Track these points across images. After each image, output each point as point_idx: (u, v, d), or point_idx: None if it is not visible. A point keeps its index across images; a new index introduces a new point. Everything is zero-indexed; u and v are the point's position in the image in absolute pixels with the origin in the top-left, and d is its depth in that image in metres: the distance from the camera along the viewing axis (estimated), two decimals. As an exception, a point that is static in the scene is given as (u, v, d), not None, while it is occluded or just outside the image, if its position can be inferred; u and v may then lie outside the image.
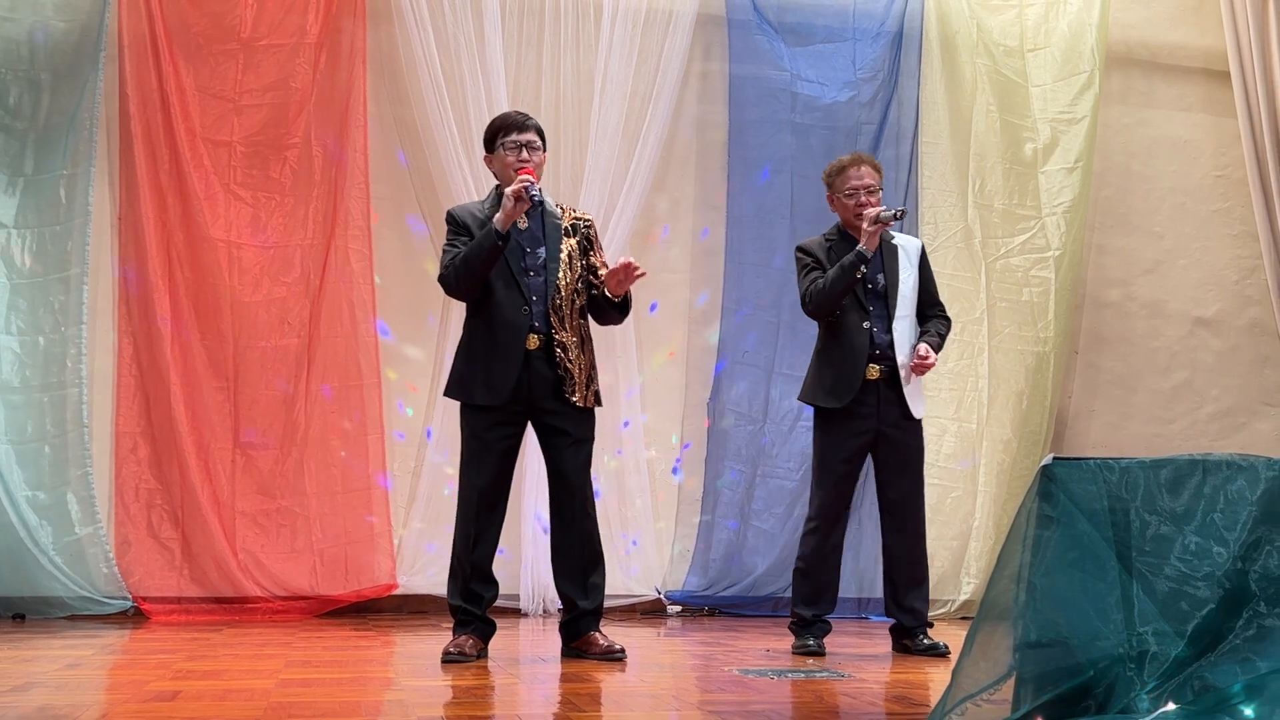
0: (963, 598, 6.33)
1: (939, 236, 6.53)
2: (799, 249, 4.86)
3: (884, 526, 4.79)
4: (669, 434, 6.36)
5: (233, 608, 5.61)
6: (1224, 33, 6.89)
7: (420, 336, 6.09)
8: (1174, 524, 2.86)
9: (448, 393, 4.43)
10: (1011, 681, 2.77)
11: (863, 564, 6.23)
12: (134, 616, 5.57)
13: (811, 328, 6.27)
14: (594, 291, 4.42)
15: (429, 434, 6.01)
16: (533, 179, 4.20)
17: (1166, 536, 2.85)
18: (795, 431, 6.31)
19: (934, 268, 6.41)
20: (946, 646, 4.61)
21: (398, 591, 5.87)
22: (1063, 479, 2.92)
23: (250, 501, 5.74)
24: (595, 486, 4.49)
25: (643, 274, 4.31)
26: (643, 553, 6.16)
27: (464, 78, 5.96)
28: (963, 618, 6.19)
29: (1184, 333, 7.00)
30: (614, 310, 4.43)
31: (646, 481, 6.19)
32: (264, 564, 5.71)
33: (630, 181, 6.15)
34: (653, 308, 6.36)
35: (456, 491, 4.40)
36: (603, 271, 4.40)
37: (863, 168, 4.77)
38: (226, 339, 5.77)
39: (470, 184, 5.89)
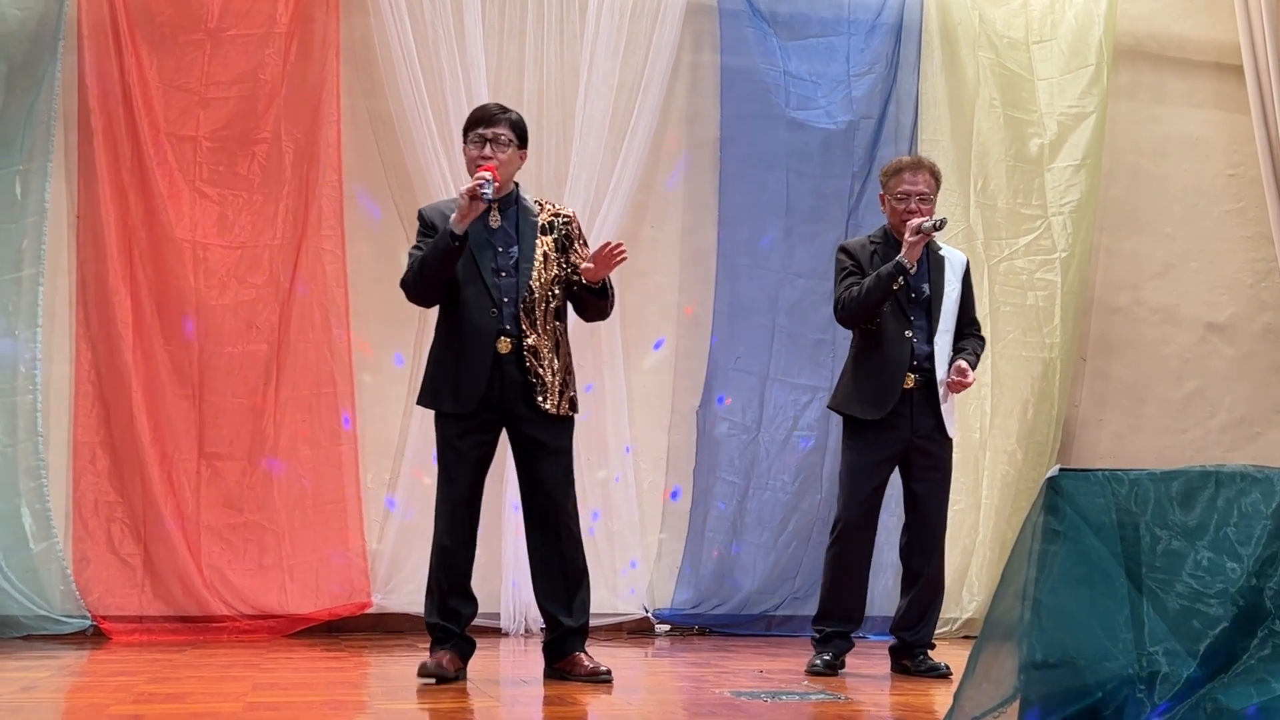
0: (965, 616, 6.34)
1: (940, 237, 6.51)
2: (841, 249, 4.92)
3: (908, 537, 4.84)
4: (657, 444, 6.36)
5: (197, 627, 5.58)
6: (1237, 25, 6.91)
7: (396, 341, 6.09)
8: (1186, 539, 2.87)
9: (420, 400, 4.45)
10: (1016, 704, 2.78)
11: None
12: (93, 636, 5.54)
13: (810, 332, 6.36)
14: (574, 285, 4.39)
15: (405, 444, 6.00)
16: (490, 176, 4.18)
17: (1178, 552, 2.86)
18: (791, 442, 6.33)
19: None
20: (948, 667, 4.64)
21: (371, 610, 5.86)
22: (1069, 492, 2.93)
23: (216, 515, 5.72)
24: (578, 499, 4.49)
25: (624, 257, 4.26)
26: (629, 569, 6.17)
27: (442, 70, 5.96)
28: (965, 637, 6.19)
29: (1196, 339, 7.03)
30: (594, 299, 4.38)
31: (633, 493, 6.20)
32: (230, 581, 5.69)
33: (617, 178, 6.15)
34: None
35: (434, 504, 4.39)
36: (585, 266, 4.36)
37: (920, 173, 4.82)
38: (191, 344, 5.76)
39: (449, 181, 5.88)
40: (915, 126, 6.54)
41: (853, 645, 4.81)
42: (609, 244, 4.26)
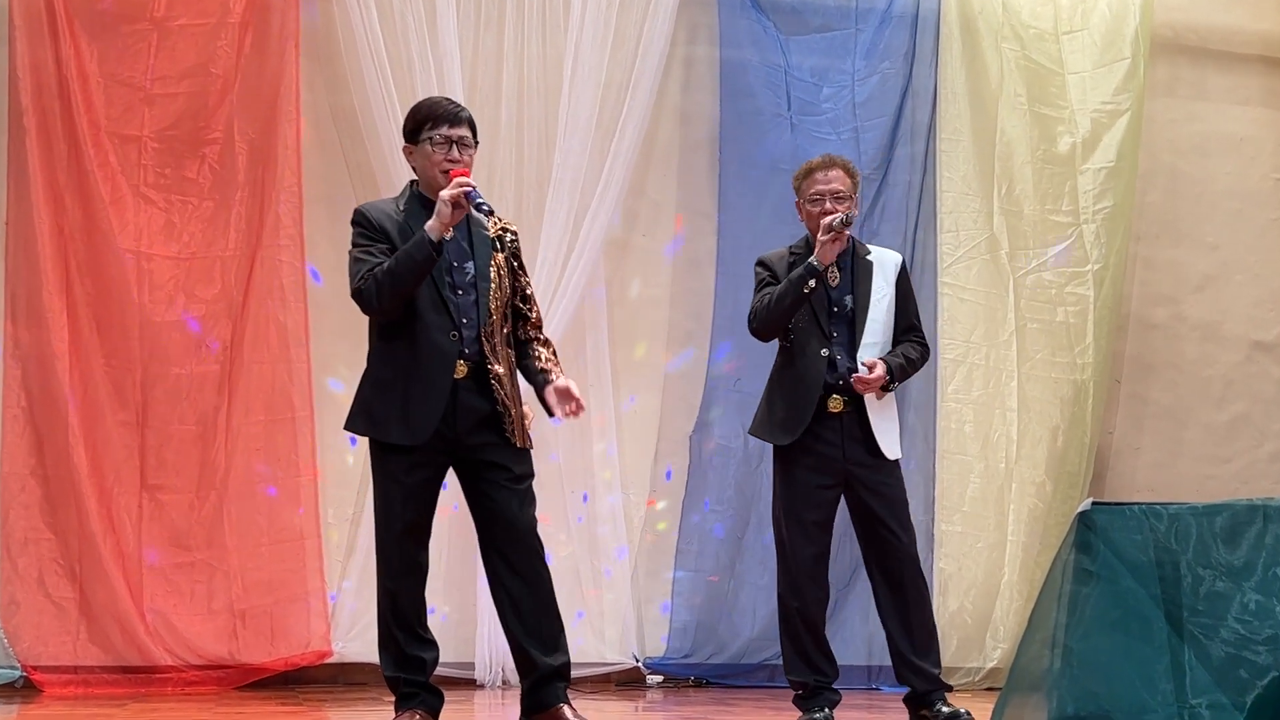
0: (989, 665, 6.34)
1: (960, 247, 6.57)
2: (758, 262, 4.90)
3: (874, 584, 4.79)
4: (647, 474, 6.35)
5: (139, 678, 5.55)
6: (1285, 15, 6.98)
7: (360, 362, 6.01)
8: (1231, 579, 2.88)
9: (350, 426, 4.36)
10: (1045, 762, 2.78)
11: (872, 627, 6.15)
12: (23, 689, 5.51)
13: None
14: (534, 364, 4.37)
15: (370, 476, 5.96)
16: (473, 183, 4.16)
17: (1222, 594, 2.87)
18: (795, 473, 6.32)
19: (955, 282, 6.52)
20: (969, 715, 4.62)
21: (332, 659, 5.84)
22: (1103, 527, 2.94)
23: (160, 554, 5.70)
24: (559, 535, 4.48)
25: (577, 411, 4.29)
26: (617, 612, 6.14)
27: (413, 63, 5.95)
28: (989, 688, 6.17)
29: (1241, 358, 7.04)
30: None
31: (621, 529, 6.19)
32: (176, 627, 5.66)
33: (605, 183, 6.15)
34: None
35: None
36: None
37: (833, 171, 4.79)
38: (134, 364, 5.73)
39: (420, 185, 5.89)
40: (933, 125, 6.55)
41: (839, 698, 4.77)
42: (575, 402, 4.25)
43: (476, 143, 4.41)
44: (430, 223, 4.16)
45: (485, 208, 4.16)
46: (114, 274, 5.75)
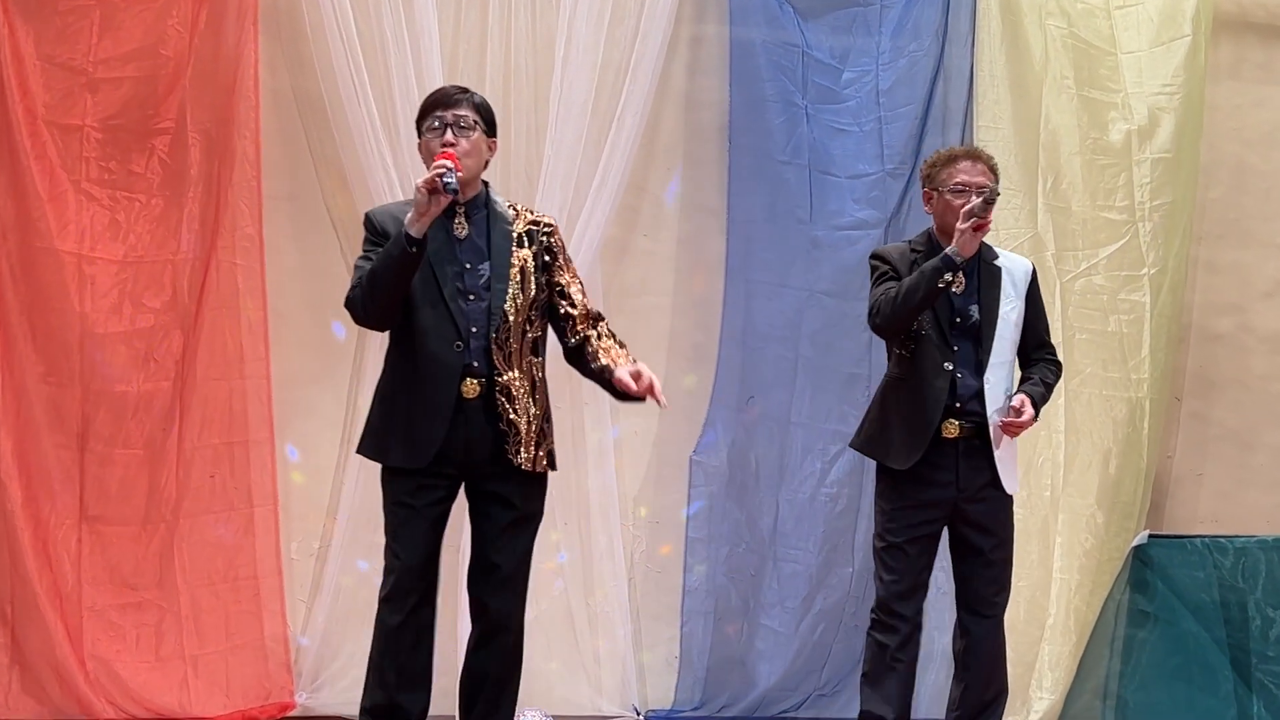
0: (1034, 717, 6.22)
1: (1000, 247, 6.46)
2: (874, 255, 4.96)
3: (960, 625, 4.85)
4: (649, 503, 6.34)
5: (78, 733, 5.54)
6: (1364, -12, 6.91)
7: (327, 377, 6.08)
8: (1308, 622, 2.78)
9: (361, 449, 4.45)
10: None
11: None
12: (-52, 745, 5.48)
13: (841, 365, 6.32)
14: (593, 363, 4.38)
15: (338, 505, 5.97)
16: (451, 164, 4.16)
17: (1298, 639, 2.78)
18: (817, 501, 6.27)
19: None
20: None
21: (295, 713, 5.83)
22: (1161, 563, 2.85)
23: (102, 594, 5.68)
24: (547, 572, 4.51)
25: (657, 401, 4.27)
26: (615, 659, 6.11)
27: (386, 42, 5.93)
28: (1034, 744, 6.15)
29: (1316, 373, 6.96)
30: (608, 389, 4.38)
31: (621, 566, 6.15)
32: (120, 676, 5.64)
33: (601, 177, 6.11)
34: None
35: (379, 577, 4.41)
36: (620, 378, 4.28)
37: (979, 164, 4.88)
38: (73, 382, 5.71)
39: (394, 178, 5.87)
40: (969, 111, 6.48)
41: None
42: (650, 384, 4.21)
43: (490, 128, 4.43)
44: (409, 216, 4.18)
45: (451, 186, 4.14)
46: (51, 279, 5.71)
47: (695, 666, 6.18)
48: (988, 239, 4.89)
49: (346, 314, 4.45)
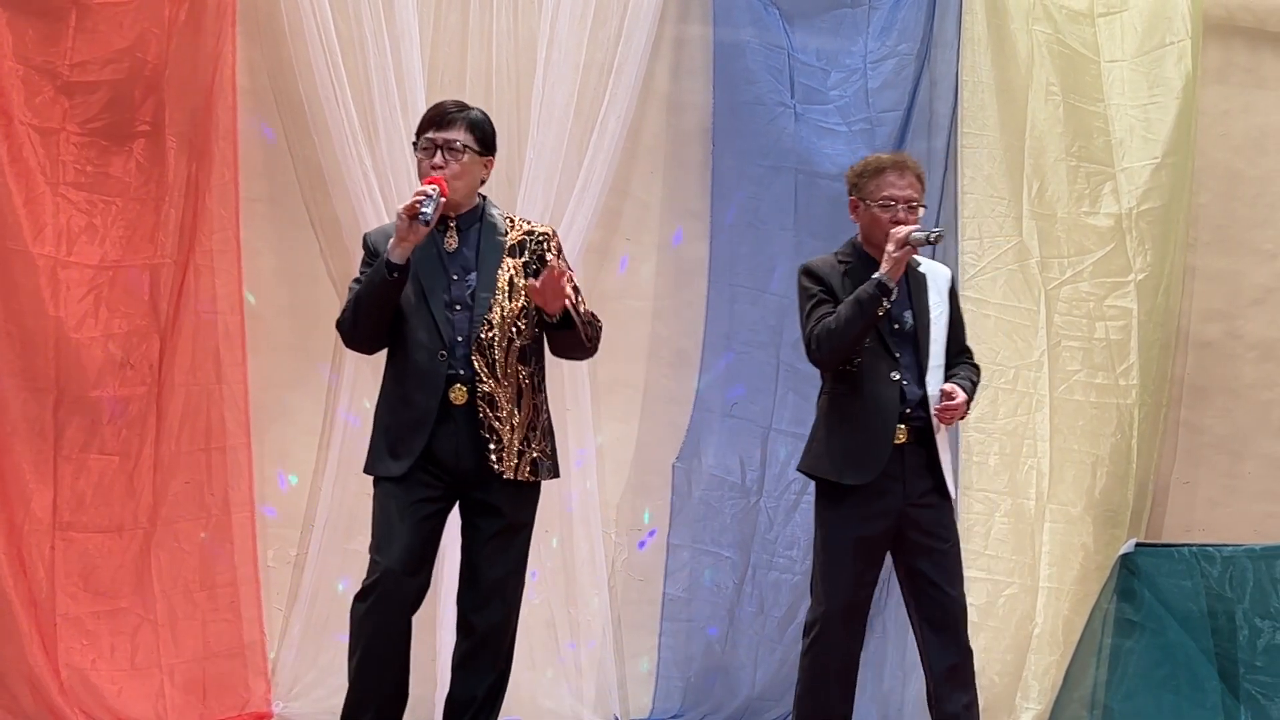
0: (1020, 728, 6.27)
1: (985, 255, 6.52)
2: (804, 270, 4.91)
3: (921, 637, 4.83)
4: (631, 511, 6.35)
5: (52, 744, 5.52)
6: (1353, -8, 6.95)
7: (305, 383, 6.08)
8: (1295, 632, 2.80)
9: (366, 466, 4.49)
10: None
11: (887, 684, 6.20)
12: (-82, 757, 5.47)
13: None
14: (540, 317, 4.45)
15: (316, 512, 5.97)
16: (435, 192, 4.20)
17: (1285, 648, 2.79)
18: (801, 507, 6.27)
19: (978, 295, 6.49)
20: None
21: (273, 722, 5.83)
22: (1148, 572, 2.86)
23: (76, 602, 5.66)
24: (534, 575, 4.53)
25: (567, 281, 4.28)
26: (595, 668, 6.10)
27: (365, 43, 5.93)
28: (1020, 755, 6.17)
29: (1306, 380, 6.99)
30: (559, 334, 4.43)
31: (602, 574, 6.16)
32: (94, 685, 5.62)
33: (583, 180, 6.13)
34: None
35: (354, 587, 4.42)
36: (529, 286, 4.37)
37: (908, 174, 4.83)
38: (47, 387, 5.69)
39: (373, 182, 5.87)
40: (954, 117, 6.51)
41: None
42: (552, 268, 4.24)
43: (485, 146, 4.43)
44: (390, 242, 4.23)
45: (424, 218, 4.17)
46: (26, 284, 5.69)
47: (677, 675, 6.19)
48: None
49: (327, 319, 4.55)
